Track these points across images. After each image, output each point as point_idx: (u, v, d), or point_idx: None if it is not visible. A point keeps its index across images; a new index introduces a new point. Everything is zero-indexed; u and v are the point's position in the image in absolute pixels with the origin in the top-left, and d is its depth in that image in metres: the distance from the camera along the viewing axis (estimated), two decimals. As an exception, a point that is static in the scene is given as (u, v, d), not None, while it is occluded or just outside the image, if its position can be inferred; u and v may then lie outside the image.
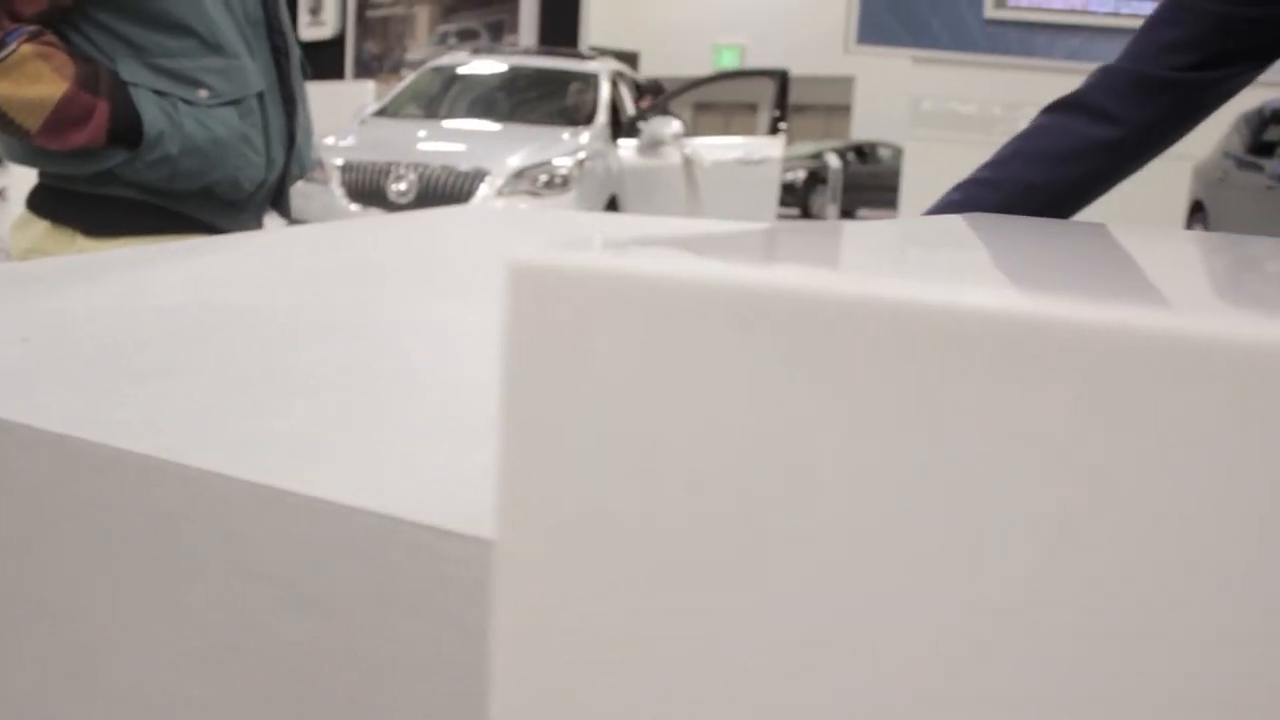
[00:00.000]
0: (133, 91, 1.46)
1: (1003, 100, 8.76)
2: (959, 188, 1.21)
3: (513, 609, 0.23)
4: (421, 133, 6.36)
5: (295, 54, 1.67)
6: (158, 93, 1.47)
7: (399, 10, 10.17)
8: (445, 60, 7.50)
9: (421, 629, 0.35)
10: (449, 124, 6.57)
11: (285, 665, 0.37)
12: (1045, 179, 1.20)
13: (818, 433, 0.19)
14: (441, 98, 7.00)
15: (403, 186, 5.80)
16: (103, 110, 1.44)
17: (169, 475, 0.40)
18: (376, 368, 0.59)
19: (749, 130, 8.52)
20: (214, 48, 1.50)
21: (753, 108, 10.40)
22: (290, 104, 1.63)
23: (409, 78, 7.49)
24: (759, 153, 7.65)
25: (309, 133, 1.71)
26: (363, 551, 0.36)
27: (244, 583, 0.38)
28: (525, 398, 0.21)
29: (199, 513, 0.39)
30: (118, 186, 1.51)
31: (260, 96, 1.57)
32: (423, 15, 10.08)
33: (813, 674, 0.20)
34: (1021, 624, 0.18)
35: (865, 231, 0.50)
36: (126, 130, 1.45)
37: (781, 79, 7.67)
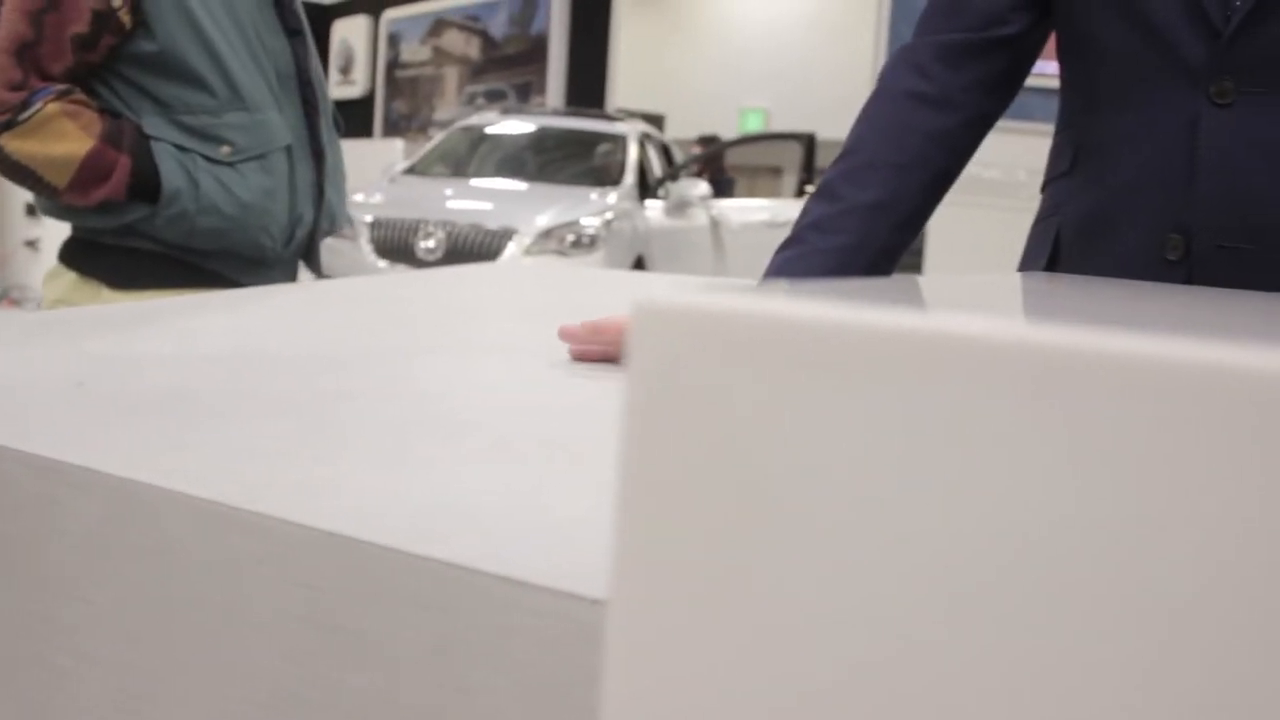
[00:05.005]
0: (154, 146, 1.48)
1: (1026, 166, 8.74)
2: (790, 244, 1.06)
3: (626, 672, 0.22)
4: (450, 191, 6.40)
5: (327, 107, 1.67)
6: (179, 148, 1.49)
7: (428, 71, 10.30)
8: (474, 120, 7.57)
9: (491, 680, 0.34)
10: (477, 183, 6.62)
11: (351, 716, 0.36)
12: (890, 195, 1.07)
13: (965, 484, 0.18)
14: (470, 157, 7.06)
15: (431, 244, 5.83)
16: (124, 165, 1.46)
17: (232, 521, 0.39)
18: (429, 416, 0.59)
19: (772, 193, 8.55)
20: (238, 103, 1.52)
21: (777, 171, 10.42)
22: (319, 158, 1.64)
23: (438, 137, 7.55)
24: (785, 215, 7.67)
25: (340, 187, 1.71)
26: (430, 601, 0.35)
27: (309, 632, 0.37)
28: (645, 450, 0.21)
29: (263, 559, 0.38)
30: (141, 240, 1.53)
31: (288, 150, 1.58)
32: (451, 76, 10.20)
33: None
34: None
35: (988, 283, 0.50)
36: (146, 186, 1.48)
37: (809, 142, 7.71)
